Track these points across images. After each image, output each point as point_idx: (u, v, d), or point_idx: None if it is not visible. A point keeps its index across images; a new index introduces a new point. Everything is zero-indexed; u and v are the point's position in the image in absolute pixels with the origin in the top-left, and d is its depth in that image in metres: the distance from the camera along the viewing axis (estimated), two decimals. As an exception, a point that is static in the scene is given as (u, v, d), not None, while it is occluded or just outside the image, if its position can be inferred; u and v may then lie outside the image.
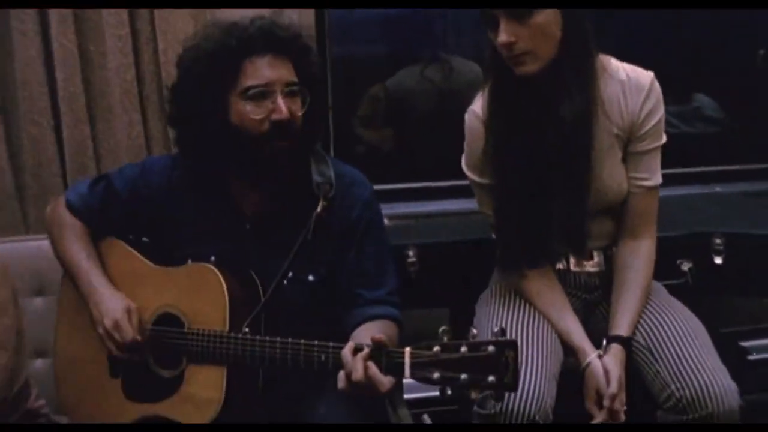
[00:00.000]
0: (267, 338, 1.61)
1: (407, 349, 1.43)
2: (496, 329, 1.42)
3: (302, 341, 1.58)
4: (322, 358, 1.55)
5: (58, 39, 2.25)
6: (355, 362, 1.46)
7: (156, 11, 2.27)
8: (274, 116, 1.65)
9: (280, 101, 1.65)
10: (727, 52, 3.06)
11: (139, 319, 1.73)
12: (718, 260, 2.22)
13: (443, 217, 2.56)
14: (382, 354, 1.46)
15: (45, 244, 2.14)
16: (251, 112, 1.66)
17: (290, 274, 1.74)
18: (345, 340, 1.64)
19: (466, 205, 2.52)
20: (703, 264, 2.21)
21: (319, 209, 1.73)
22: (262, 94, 1.66)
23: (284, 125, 1.66)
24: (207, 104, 1.67)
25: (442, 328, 1.42)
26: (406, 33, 3.00)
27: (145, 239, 1.86)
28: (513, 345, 1.37)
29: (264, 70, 1.66)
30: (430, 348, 1.40)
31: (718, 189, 2.79)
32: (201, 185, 1.80)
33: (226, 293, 1.66)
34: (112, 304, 1.72)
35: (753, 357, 2.41)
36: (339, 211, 1.76)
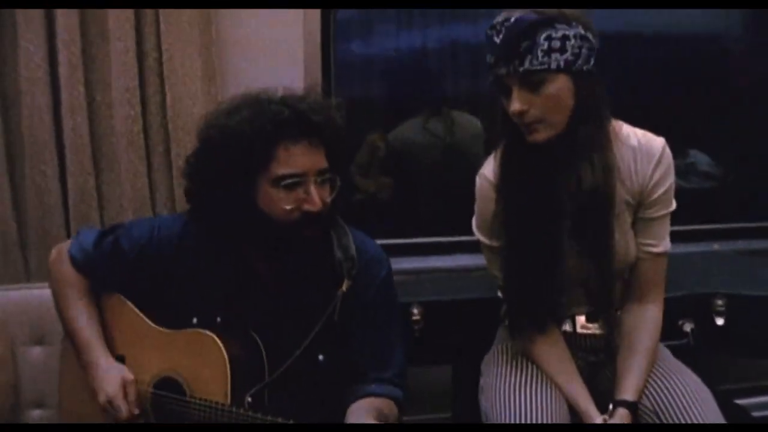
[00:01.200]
0: (269, 418, 1.56)
1: None
2: None
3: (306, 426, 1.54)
4: None
5: (66, 88, 2.26)
6: None
7: (165, 63, 2.29)
8: (307, 207, 1.59)
9: (314, 192, 1.59)
10: (722, 107, 3.11)
11: (136, 392, 1.70)
12: (719, 321, 2.22)
13: (444, 273, 2.55)
14: None
15: (46, 293, 2.12)
16: (282, 201, 1.59)
17: (298, 352, 1.68)
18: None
19: (468, 261, 2.56)
20: (704, 325, 2.22)
21: (344, 288, 1.68)
22: (295, 183, 1.59)
23: (314, 215, 1.60)
24: (233, 185, 1.60)
25: None
26: (408, 82, 3.03)
27: (148, 296, 1.81)
28: None
29: (298, 158, 1.59)
30: None
31: (716, 247, 2.81)
32: (214, 253, 1.74)
33: (227, 365, 1.63)
34: (107, 380, 1.69)
35: (757, 414, 2.41)
36: (356, 289, 1.71)
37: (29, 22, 2.22)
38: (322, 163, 1.63)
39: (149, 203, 2.36)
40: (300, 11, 2.39)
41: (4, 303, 2.16)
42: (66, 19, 2.22)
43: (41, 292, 2.15)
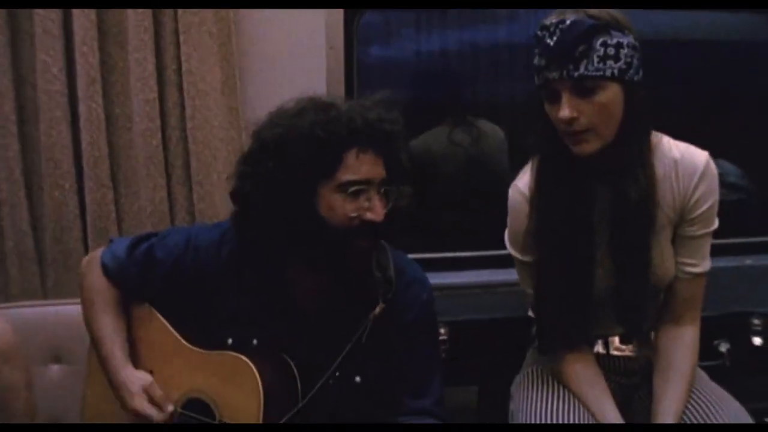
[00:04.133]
0: None
1: None
2: None
3: None
4: None
5: (84, 101, 2.22)
6: None
7: (184, 75, 2.24)
8: (369, 216, 1.57)
9: (377, 202, 1.58)
10: (749, 115, 3.02)
11: (160, 393, 1.66)
12: (757, 341, 2.15)
13: (469, 289, 2.49)
14: None
15: (64, 309, 2.11)
16: (346, 208, 1.57)
17: (337, 374, 1.64)
18: None
19: (493, 276, 2.48)
20: (740, 345, 2.15)
21: (377, 311, 1.63)
22: (360, 191, 1.58)
23: (374, 225, 1.58)
24: (295, 188, 1.56)
25: None
26: (431, 87, 2.96)
27: (182, 311, 1.76)
28: None
29: (365, 167, 1.58)
30: None
31: (749, 262, 2.72)
32: (254, 267, 1.70)
33: (261, 393, 1.58)
34: (128, 392, 1.65)
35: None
36: (395, 311, 1.67)
37: (46, 33, 2.19)
38: (383, 174, 1.61)
39: (168, 217, 2.31)
40: (322, 19, 2.34)
41: (21, 320, 2.12)
42: (84, 30, 2.18)
43: (58, 309, 2.14)
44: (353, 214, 1.57)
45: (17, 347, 1.60)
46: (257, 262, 1.69)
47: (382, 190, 1.60)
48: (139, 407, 1.63)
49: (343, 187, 1.57)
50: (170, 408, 1.64)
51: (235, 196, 1.66)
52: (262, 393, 1.58)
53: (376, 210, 1.57)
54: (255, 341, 1.67)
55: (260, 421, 1.57)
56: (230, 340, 1.69)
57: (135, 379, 1.67)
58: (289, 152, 1.56)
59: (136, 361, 1.76)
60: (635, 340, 1.84)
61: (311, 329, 1.68)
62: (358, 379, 1.67)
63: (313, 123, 1.56)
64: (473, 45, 2.92)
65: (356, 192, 1.57)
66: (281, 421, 1.58)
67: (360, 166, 1.57)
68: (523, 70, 2.88)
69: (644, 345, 1.84)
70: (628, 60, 1.57)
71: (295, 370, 1.64)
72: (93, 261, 1.79)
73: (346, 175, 1.57)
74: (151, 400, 1.65)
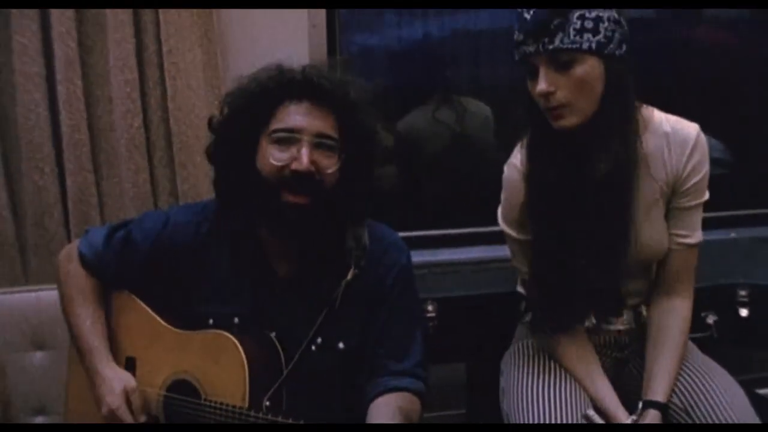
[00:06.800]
0: (290, 421, 1.51)
1: None
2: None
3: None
4: None
5: (63, 83, 2.17)
6: None
7: (165, 55, 2.21)
8: (294, 165, 1.55)
9: (304, 151, 1.55)
10: (733, 90, 3.03)
11: (142, 399, 1.65)
12: (743, 312, 2.16)
13: (456, 266, 2.48)
14: None
15: (46, 295, 2.08)
16: (273, 156, 1.57)
17: (319, 341, 1.66)
18: (365, 410, 1.59)
19: (481, 253, 2.48)
20: (727, 316, 2.16)
21: (349, 277, 1.65)
22: (287, 139, 1.57)
23: (303, 178, 1.56)
24: (239, 143, 1.62)
25: None
26: (414, 70, 2.94)
27: (162, 295, 1.75)
28: None
29: (295, 116, 1.58)
30: None
31: (733, 235, 2.74)
32: (232, 241, 1.70)
33: (246, 367, 1.58)
34: (109, 390, 1.63)
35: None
36: (374, 276, 1.69)
37: (22, 14, 2.13)
38: (326, 128, 1.60)
39: (151, 200, 2.28)
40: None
41: (2, 307, 2.10)
42: (60, 11, 2.13)
43: (41, 295, 2.11)
44: (279, 163, 1.57)
45: None
46: (235, 236, 1.70)
47: (316, 142, 1.58)
48: (117, 408, 1.62)
49: (271, 135, 1.59)
50: (143, 419, 1.65)
51: (208, 157, 1.72)
52: (247, 367, 1.58)
53: (300, 159, 1.55)
54: (236, 320, 1.68)
55: (246, 397, 1.57)
56: (211, 321, 1.69)
57: (118, 381, 1.65)
58: (232, 106, 1.64)
59: (118, 348, 1.75)
60: (627, 314, 1.84)
61: (289, 298, 1.69)
62: (341, 345, 1.68)
63: (253, 79, 1.64)
64: (460, 29, 2.90)
65: (283, 140, 1.58)
66: (266, 398, 1.58)
67: (289, 115, 1.59)
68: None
69: (626, 318, 1.84)
70: (608, 34, 1.55)
71: (277, 343, 1.65)
72: (70, 252, 1.78)
73: (275, 125, 1.60)
74: (129, 406, 1.64)
